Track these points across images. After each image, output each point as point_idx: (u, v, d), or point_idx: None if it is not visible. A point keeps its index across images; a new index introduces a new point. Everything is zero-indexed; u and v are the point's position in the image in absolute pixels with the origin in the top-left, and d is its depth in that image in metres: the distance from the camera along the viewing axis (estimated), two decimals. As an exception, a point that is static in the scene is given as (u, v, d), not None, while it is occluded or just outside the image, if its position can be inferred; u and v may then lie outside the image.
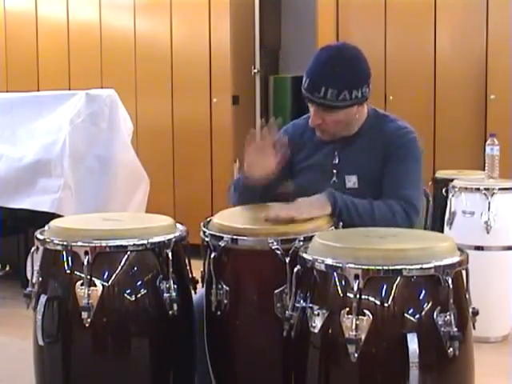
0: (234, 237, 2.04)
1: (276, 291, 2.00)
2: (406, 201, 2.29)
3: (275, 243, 1.99)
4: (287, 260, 1.98)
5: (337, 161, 2.42)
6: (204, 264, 2.15)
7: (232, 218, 2.18)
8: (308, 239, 2.00)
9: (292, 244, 2.00)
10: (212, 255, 2.07)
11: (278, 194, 2.40)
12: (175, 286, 2.10)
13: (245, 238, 2.03)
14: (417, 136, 2.42)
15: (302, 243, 1.99)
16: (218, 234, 2.08)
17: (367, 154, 2.39)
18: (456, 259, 1.84)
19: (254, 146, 2.33)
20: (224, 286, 2.06)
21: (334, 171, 2.41)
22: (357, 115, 2.40)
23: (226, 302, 2.06)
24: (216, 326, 2.14)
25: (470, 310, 1.88)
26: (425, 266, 1.78)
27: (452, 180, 3.93)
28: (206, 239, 2.11)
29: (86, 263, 2.03)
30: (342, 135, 2.43)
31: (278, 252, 1.98)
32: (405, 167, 2.36)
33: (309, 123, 2.42)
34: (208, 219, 2.22)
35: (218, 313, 2.08)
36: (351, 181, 2.38)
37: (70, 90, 5.44)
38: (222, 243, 2.05)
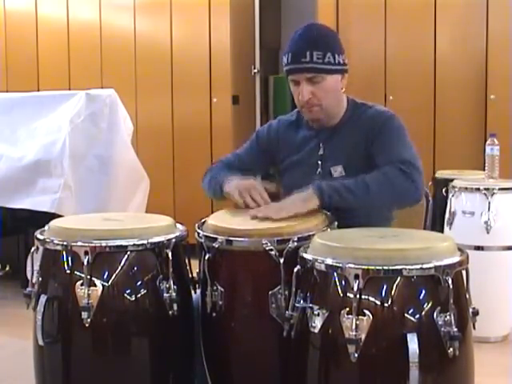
0: (228, 238, 2.03)
1: (271, 292, 1.99)
2: (402, 161, 2.21)
3: (269, 244, 1.98)
4: (281, 261, 1.97)
5: (322, 152, 2.41)
6: (199, 265, 2.14)
7: (226, 219, 2.17)
8: (302, 239, 1.99)
9: (286, 244, 1.98)
10: (206, 256, 2.06)
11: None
12: (175, 286, 2.09)
13: (239, 239, 2.02)
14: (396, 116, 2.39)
15: (296, 244, 1.99)
16: (212, 235, 2.07)
17: (351, 141, 2.37)
18: (456, 259, 1.84)
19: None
20: (219, 288, 2.06)
21: (319, 162, 2.40)
22: (343, 89, 2.38)
23: (221, 303, 2.06)
24: (211, 328, 2.14)
25: (470, 310, 1.88)
26: (425, 265, 1.77)
27: (452, 180, 3.93)
28: (201, 240, 2.10)
29: (85, 263, 2.02)
30: (329, 123, 2.41)
31: (272, 253, 1.97)
32: (393, 137, 2.32)
33: (298, 106, 2.39)
34: (202, 220, 2.21)
35: (214, 314, 2.08)
36: (337, 170, 2.36)
37: (70, 89, 5.45)
38: (216, 244, 2.04)
